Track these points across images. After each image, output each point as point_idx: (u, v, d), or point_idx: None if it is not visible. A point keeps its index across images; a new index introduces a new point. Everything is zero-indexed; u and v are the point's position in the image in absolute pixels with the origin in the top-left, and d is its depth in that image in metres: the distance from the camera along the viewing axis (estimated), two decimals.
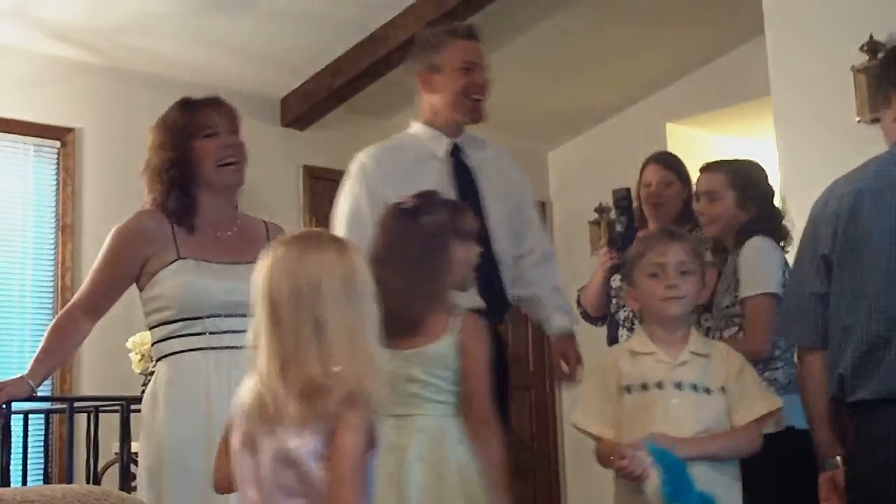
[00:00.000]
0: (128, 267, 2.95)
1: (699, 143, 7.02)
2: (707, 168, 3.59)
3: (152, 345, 2.98)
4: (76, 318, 2.99)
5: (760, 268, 3.32)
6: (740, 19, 5.73)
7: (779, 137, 3.79)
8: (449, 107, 3.47)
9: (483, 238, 3.26)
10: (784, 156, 3.70)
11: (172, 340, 2.88)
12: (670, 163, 4.20)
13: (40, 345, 3.07)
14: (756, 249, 3.33)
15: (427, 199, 2.84)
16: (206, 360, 2.82)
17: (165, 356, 2.89)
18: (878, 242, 2.59)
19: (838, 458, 2.70)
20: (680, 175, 4.14)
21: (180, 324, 2.87)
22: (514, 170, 3.65)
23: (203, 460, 2.67)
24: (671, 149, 6.81)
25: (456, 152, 3.49)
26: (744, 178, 3.49)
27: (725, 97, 6.64)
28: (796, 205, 3.46)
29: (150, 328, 2.97)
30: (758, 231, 3.38)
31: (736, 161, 3.64)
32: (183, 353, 2.86)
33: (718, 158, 3.68)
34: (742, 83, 6.28)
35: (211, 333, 2.84)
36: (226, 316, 2.83)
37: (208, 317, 2.85)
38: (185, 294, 2.86)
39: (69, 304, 3.11)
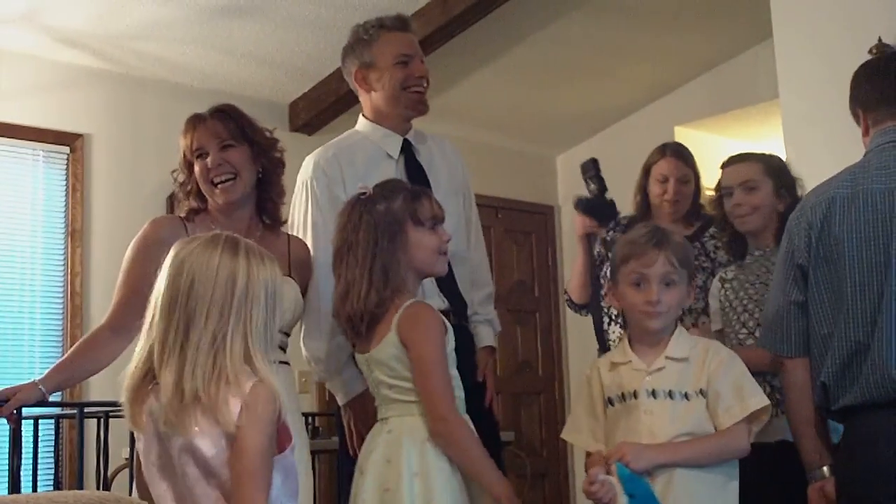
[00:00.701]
0: (148, 276, 2.93)
1: (708, 147, 6.99)
2: (737, 159, 3.52)
3: None
4: (102, 336, 2.97)
5: None
6: (748, 23, 5.73)
7: (787, 141, 3.78)
8: (391, 103, 3.37)
9: None
10: (792, 159, 3.68)
11: None
12: (687, 157, 4.10)
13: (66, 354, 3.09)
14: None
15: (384, 187, 2.83)
16: None
17: None
18: (851, 249, 2.61)
19: (826, 468, 2.71)
20: (695, 171, 4.07)
21: None
22: (458, 163, 3.55)
23: None
24: None
25: (408, 149, 3.39)
26: (777, 166, 3.46)
27: (734, 100, 6.63)
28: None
29: None
30: None
31: (762, 152, 3.58)
32: None
33: (742, 152, 3.61)
34: (750, 86, 6.28)
35: None
36: None
37: None
38: None
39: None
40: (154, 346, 2.20)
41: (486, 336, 3.45)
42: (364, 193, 2.79)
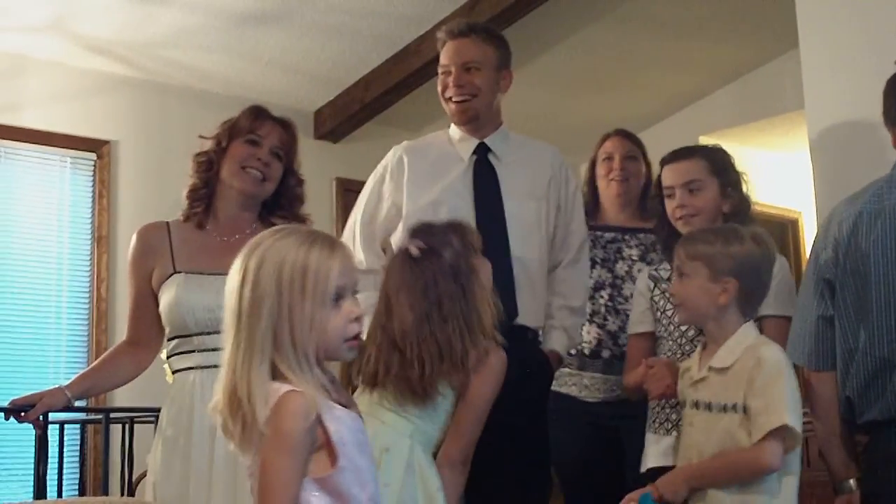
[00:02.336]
0: (142, 285, 2.94)
1: (733, 157, 6.99)
2: (679, 155, 3.21)
3: (167, 358, 2.99)
4: (121, 349, 2.99)
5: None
6: (774, 33, 5.71)
7: (813, 151, 3.76)
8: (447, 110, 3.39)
9: (502, 241, 3.20)
10: (819, 170, 3.66)
11: (173, 358, 2.88)
12: (634, 138, 4.00)
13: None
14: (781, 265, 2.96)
15: (429, 232, 2.71)
16: (193, 379, 2.79)
17: (173, 373, 2.91)
18: (878, 265, 2.59)
19: (853, 481, 2.69)
20: (644, 154, 3.94)
21: (177, 341, 2.86)
22: (549, 170, 3.43)
23: (188, 481, 2.72)
24: None
25: (482, 152, 3.37)
26: (723, 163, 3.20)
27: (759, 110, 6.61)
28: None
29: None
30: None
31: (706, 146, 3.33)
32: (180, 372, 2.85)
33: (685, 147, 3.34)
34: (776, 97, 6.25)
35: (200, 352, 2.80)
36: (213, 333, 2.66)
37: (196, 334, 2.80)
38: (171, 313, 2.83)
39: None
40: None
41: (554, 340, 3.31)
42: (412, 249, 2.67)
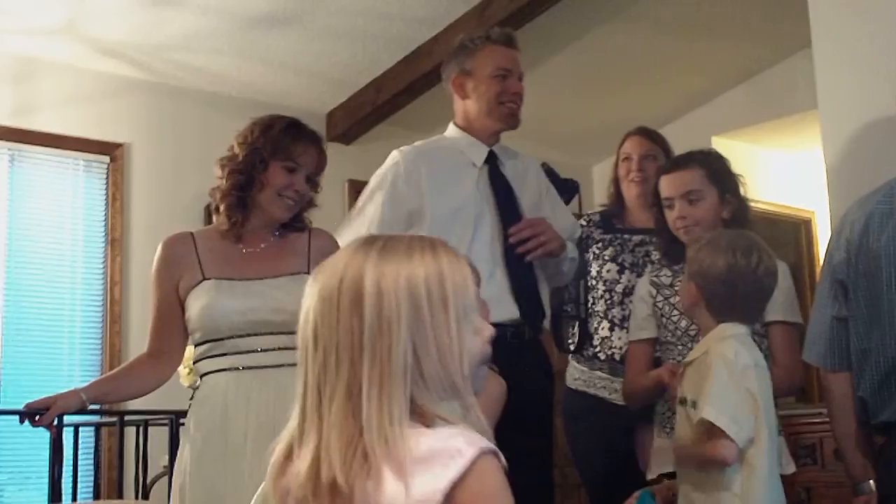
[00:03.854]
0: (168, 295, 2.94)
1: (745, 157, 6.97)
2: (677, 165, 3.22)
3: (193, 363, 2.99)
4: (143, 361, 2.98)
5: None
6: (786, 32, 5.69)
7: (826, 151, 3.75)
8: (484, 113, 3.42)
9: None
10: (832, 170, 3.66)
11: (203, 362, 2.89)
12: (654, 136, 3.99)
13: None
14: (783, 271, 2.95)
15: None
16: (227, 381, 2.80)
17: (200, 376, 2.91)
18: (889, 266, 2.59)
19: (871, 482, 2.68)
20: (667, 151, 3.92)
21: (208, 345, 2.86)
22: (543, 182, 3.59)
23: (223, 481, 2.71)
24: None
25: (492, 160, 3.44)
26: (721, 170, 3.19)
27: (772, 110, 6.59)
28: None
29: (195, 346, 2.99)
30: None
31: (703, 153, 3.32)
32: (210, 374, 2.86)
33: (682, 155, 3.33)
34: (788, 96, 6.24)
35: (232, 354, 2.82)
36: (246, 336, 2.80)
37: (229, 338, 2.82)
38: (204, 317, 2.84)
39: None
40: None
41: None
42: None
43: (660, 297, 3.19)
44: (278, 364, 2.74)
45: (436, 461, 1.39)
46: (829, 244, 2.81)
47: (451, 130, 3.52)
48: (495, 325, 1.64)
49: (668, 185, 3.17)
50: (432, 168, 3.35)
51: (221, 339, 2.84)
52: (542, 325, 3.43)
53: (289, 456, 1.51)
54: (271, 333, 2.77)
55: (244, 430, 2.72)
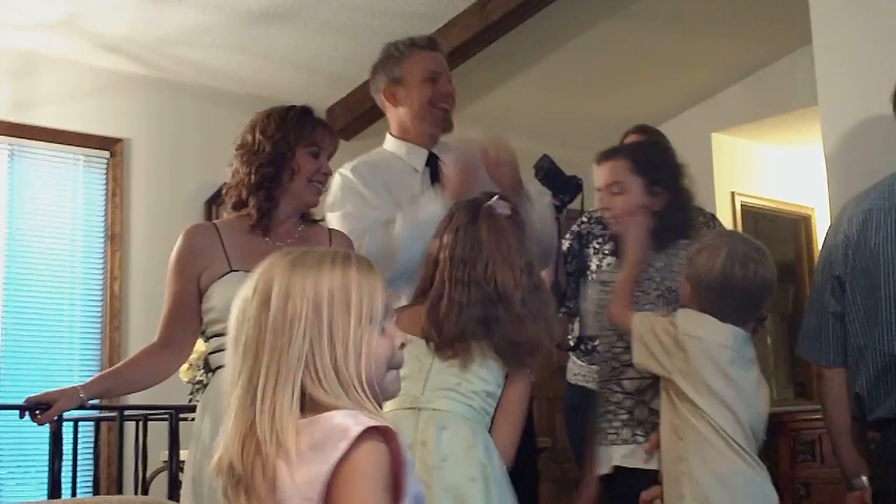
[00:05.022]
0: (187, 286, 2.93)
1: (745, 154, 6.98)
2: (604, 157, 3.20)
3: (208, 355, 2.99)
4: (152, 350, 2.96)
5: None
6: (786, 28, 5.69)
7: (827, 147, 3.75)
8: (418, 119, 3.41)
9: None
10: (832, 166, 3.66)
11: (222, 353, 2.88)
12: (653, 132, 4.02)
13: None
14: None
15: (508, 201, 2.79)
16: None
17: (217, 368, 2.90)
18: (887, 262, 2.59)
19: (864, 477, 2.69)
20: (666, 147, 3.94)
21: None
22: (482, 170, 3.45)
23: None
24: (716, 159, 6.80)
25: (432, 162, 3.41)
26: (647, 161, 3.15)
27: (772, 107, 6.59)
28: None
29: (206, 339, 2.98)
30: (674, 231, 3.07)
31: (634, 144, 3.34)
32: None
33: (612, 147, 3.33)
34: (789, 93, 6.24)
35: None
36: None
37: None
38: (230, 307, 2.84)
39: None
40: None
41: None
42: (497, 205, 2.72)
43: (601, 294, 3.24)
44: None
45: (327, 444, 1.50)
46: (825, 240, 2.81)
47: (389, 142, 3.51)
48: None
49: (595, 177, 3.20)
50: (377, 178, 3.35)
51: None
52: None
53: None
54: None
55: None
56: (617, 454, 2.91)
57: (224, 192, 3.04)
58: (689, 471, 2.57)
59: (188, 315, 2.92)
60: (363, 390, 1.58)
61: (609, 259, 3.73)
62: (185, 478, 2.86)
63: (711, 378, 2.60)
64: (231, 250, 2.91)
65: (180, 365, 3.01)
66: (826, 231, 2.84)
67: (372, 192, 3.31)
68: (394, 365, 1.67)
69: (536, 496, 3.31)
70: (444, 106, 3.42)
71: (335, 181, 3.35)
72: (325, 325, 1.59)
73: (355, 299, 1.61)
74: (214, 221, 3.08)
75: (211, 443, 2.80)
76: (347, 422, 1.51)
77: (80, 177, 5.68)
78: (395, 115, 3.49)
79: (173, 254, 2.96)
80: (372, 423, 1.51)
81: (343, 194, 3.34)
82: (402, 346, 1.69)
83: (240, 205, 2.96)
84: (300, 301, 1.60)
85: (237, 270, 2.86)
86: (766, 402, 2.71)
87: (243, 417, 1.58)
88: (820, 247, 7.30)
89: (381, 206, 3.28)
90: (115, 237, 5.66)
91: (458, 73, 4.19)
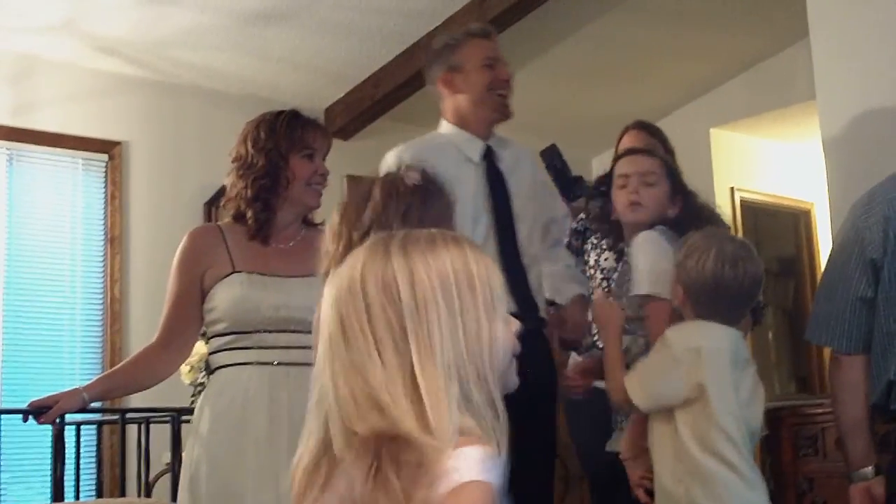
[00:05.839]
0: (190, 286, 2.94)
1: (744, 148, 6.97)
2: (640, 151, 3.30)
3: (208, 356, 2.99)
4: (152, 351, 2.96)
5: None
6: (785, 22, 5.69)
7: (826, 141, 3.75)
8: (476, 105, 3.43)
9: (512, 241, 3.32)
10: (831, 160, 3.66)
11: (223, 353, 2.88)
12: (652, 129, 4.03)
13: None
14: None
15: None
16: (248, 374, 2.81)
17: (216, 368, 2.90)
18: None
19: (871, 468, 2.65)
20: (665, 144, 3.94)
21: (231, 337, 2.86)
22: (530, 171, 3.59)
23: (239, 473, 2.72)
24: (715, 154, 6.79)
25: (489, 155, 3.44)
26: (675, 171, 3.20)
27: (770, 101, 6.58)
28: (841, 210, 3.41)
29: (207, 340, 2.98)
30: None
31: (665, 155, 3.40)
32: (230, 367, 2.86)
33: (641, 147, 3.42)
34: (787, 87, 6.23)
35: (259, 348, 2.82)
36: (274, 332, 2.82)
37: (257, 332, 2.83)
38: (236, 308, 2.84)
39: None
40: None
41: (572, 287, 3.50)
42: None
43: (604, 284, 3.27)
44: (304, 363, 2.73)
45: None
46: (854, 222, 2.71)
47: (445, 127, 3.51)
48: None
49: (628, 164, 3.19)
50: (442, 166, 3.34)
51: (248, 333, 2.84)
52: (536, 317, 3.41)
53: (317, 469, 1.46)
54: (298, 332, 2.77)
55: (265, 425, 2.73)
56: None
57: (223, 204, 3.06)
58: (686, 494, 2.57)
59: (190, 315, 2.93)
60: (495, 386, 1.43)
61: (607, 254, 3.74)
62: (183, 475, 2.87)
63: (713, 386, 2.59)
64: (235, 252, 2.93)
65: (180, 365, 3.02)
66: (852, 213, 2.75)
67: None
68: (515, 353, 1.52)
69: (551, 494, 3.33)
70: (502, 92, 3.45)
71: (389, 161, 3.28)
72: (456, 312, 1.42)
73: (478, 281, 1.45)
74: (218, 223, 3.09)
75: (209, 437, 2.81)
76: (457, 461, 1.34)
77: (80, 180, 5.68)
78: (453, 102, 3.49)
79: (177, 254, 2.96)
80: (480, 475, 1.34)
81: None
82: (518, 334, 1.53)
83: (239, 216, 2.97)
84: (429, 284, 1.42)
85: (240, 272, 2.88)
86: (762, 401, 2.70)
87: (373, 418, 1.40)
88: (820, 241, 7.29)
89: None
90: (115, 240, 5.66)
91: None
